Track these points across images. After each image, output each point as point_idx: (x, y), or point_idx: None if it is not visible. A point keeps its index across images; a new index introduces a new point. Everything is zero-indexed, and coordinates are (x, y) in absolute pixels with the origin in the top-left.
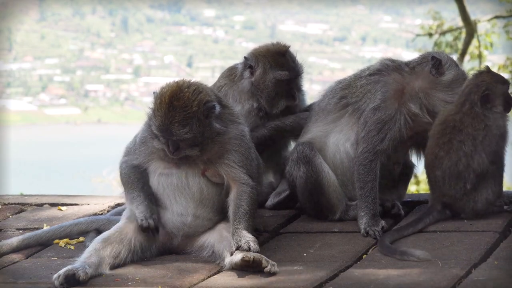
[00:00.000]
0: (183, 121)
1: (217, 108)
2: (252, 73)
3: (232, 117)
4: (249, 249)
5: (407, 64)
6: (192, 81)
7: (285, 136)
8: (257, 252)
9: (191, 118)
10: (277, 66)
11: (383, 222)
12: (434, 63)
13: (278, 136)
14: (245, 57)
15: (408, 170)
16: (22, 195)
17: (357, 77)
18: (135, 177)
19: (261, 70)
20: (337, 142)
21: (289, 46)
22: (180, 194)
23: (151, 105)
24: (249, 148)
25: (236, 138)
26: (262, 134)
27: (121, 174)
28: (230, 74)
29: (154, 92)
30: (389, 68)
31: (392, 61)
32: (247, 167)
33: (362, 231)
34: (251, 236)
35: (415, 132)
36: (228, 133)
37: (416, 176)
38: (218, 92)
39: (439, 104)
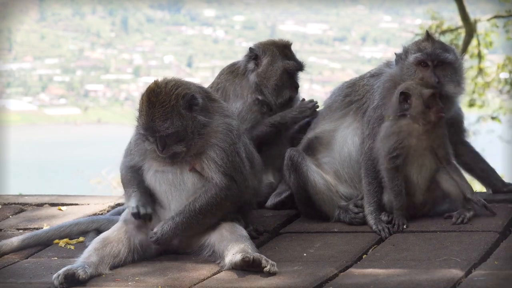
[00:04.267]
0: (163, 116)
1: (199, 100)
2: (257, 65)
3: (221, 110)
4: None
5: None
6: (172, 78)
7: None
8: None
9: (170, 112)
10: (285, 57)
11: (387, 216)
12: (396, 59)
13: (276, 133)
14: (250, 48)
15: None
16: (21, 195)
17: (360, 77)
18: (131, 176)
19: (269, 59)
20: (345, 136)
21: (291, 43)
22: (175, 189)
23: (137, 107)
24: (234, 143)
25: (221, 132)
26: (261, 131)
27: (120, 175)
28: (232, 71)
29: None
30: (383, 70)
31: (386, 64)
32: (226, 165)
33: (374, 227)
34: (168, 232)
35: None
36: (212, 123)
37: None
38: (217, 89)
39: None
